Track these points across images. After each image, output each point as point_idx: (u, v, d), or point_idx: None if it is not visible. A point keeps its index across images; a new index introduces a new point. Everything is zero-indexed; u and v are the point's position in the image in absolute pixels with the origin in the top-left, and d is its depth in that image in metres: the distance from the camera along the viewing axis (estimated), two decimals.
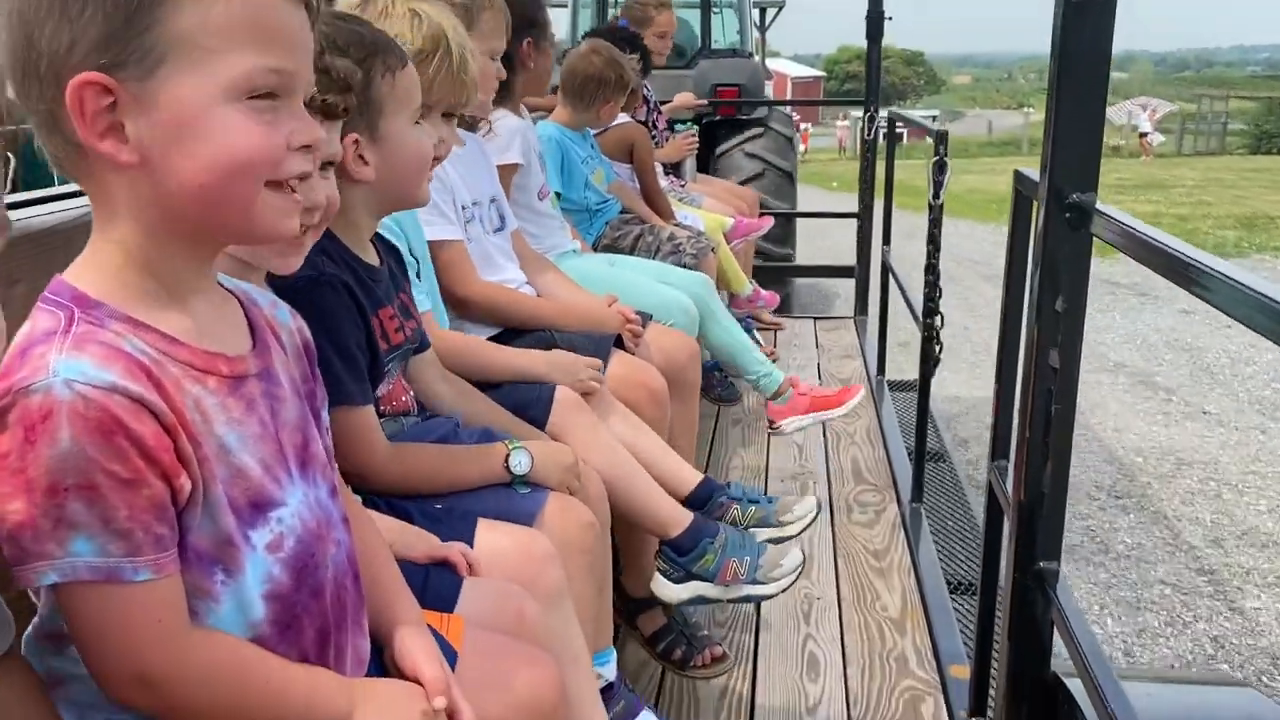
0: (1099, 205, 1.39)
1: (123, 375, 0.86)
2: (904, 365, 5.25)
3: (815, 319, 5.45)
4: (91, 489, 0.83)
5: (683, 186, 4.75)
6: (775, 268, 6.49)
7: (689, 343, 2.68)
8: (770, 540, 2.19)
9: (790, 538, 2.23)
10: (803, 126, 38.32)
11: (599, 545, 1.69)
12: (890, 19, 5.29)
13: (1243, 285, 0.96)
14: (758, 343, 4.61)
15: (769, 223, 4.64)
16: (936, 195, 3.12)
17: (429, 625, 1.17)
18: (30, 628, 0.95)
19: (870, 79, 5.35)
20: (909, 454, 3.54)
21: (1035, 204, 1.85)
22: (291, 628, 0.99)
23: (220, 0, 0.88)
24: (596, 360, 2.15)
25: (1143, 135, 33.03)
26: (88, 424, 0.83)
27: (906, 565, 2.88)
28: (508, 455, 1.65)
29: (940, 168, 3.10)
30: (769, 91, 9.75)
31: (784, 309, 5.30)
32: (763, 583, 2.03)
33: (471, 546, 1.45)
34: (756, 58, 8.94)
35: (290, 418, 1.02)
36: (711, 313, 3.25)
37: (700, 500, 2.18)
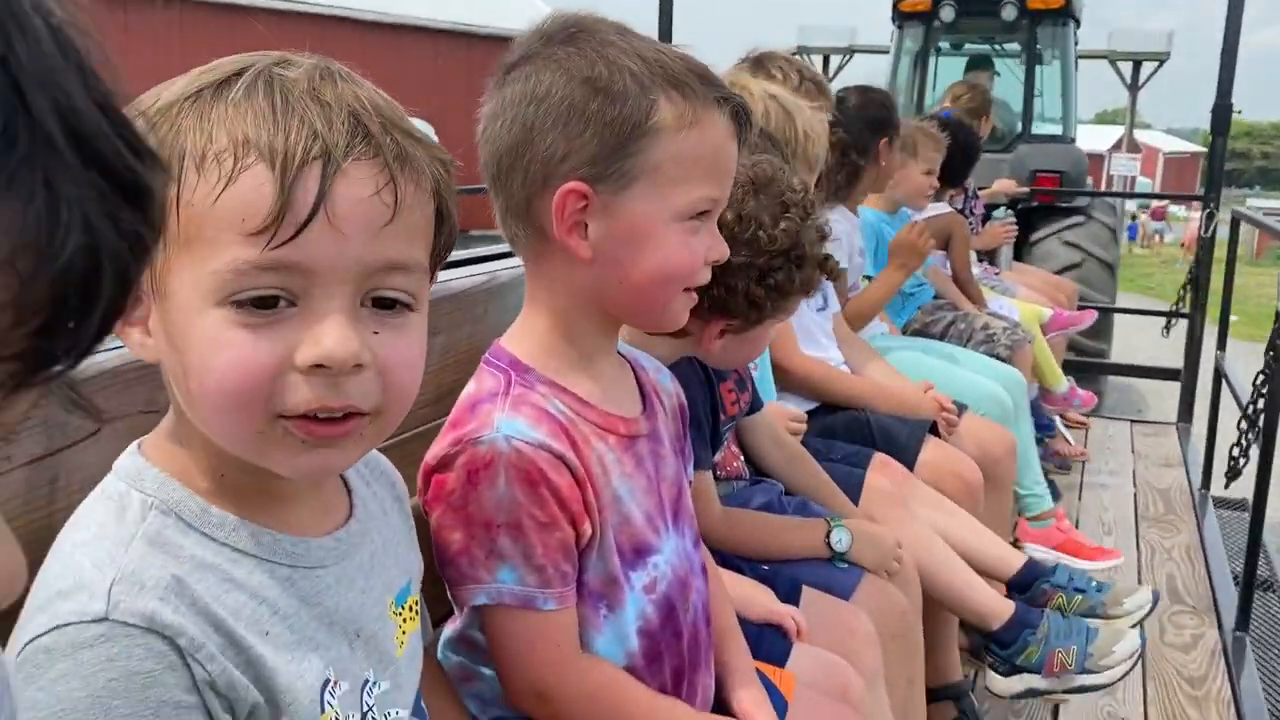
0: None
1: (548, 435, 1.03)
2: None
3: (1132, 422, 5.15)
4: (518, 527, 1.00)
5: (997, 275, 4.66)
6: (1089, 363, 6.18)
7: (1005, 435, 2.64)
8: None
9: None
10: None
11: (912, 632, 1.72)
12: (1240, 112, 4.99)
13: None
14: (1067, 440, 4.44)
15: (1091, 317, 4.44)
16: None
17: (764, 674, 1.27)
18: (450, 629, 1.13)
19: (1213, 172, 5.05)
20: (1234, 578, 3.28)
21: None
22: (656, 662, 1.11)
23: (689, 138, 1.04)
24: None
25: None
26: (519, 473, 1.00)
27: (1226, 698, 2.67)
28: (829, 531, 1.73)
29: None
30: (1135, 169, 9.13)
31: (1095, 408, 5.05)
32: (1094, 671, 1.95)
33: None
34: (1120, 127, 8.53)
35: (669, 473, 1.17)
36: (1016, 413, 3.17)
37: (1023, 585, 2.12)
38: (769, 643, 1.42)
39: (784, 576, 1.64)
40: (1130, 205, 27.31)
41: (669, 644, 1.13)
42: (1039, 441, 3.90)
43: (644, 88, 1.03)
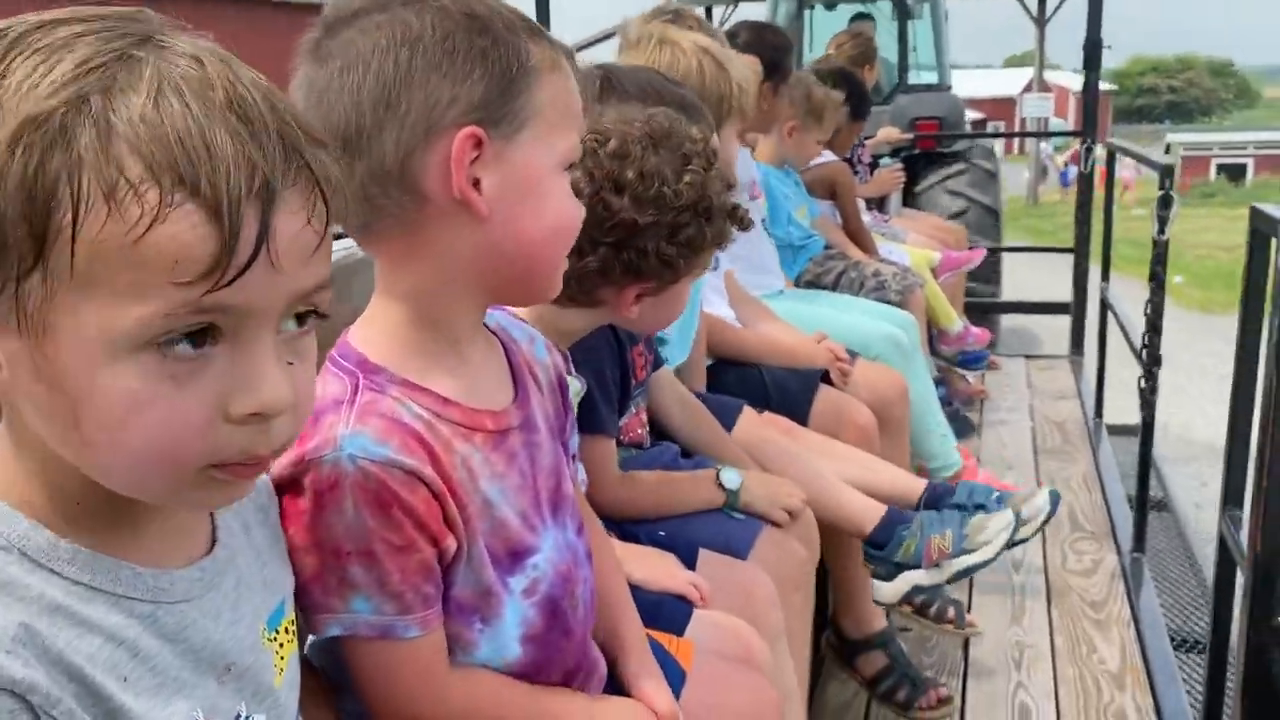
0: None
1: (399, 449, 0.93)
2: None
3: (1026, 358, 5.27)
4: (369, 555, 0.92)
5: (886, 221, 4.71)
6: (982, 304, 6.31)
7: (897, 379, 2.65)
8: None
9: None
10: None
11: (811, 582, 1.71)
12: (1109, 48, 5.12)
13: None
14: (965, 379, 4.52)
15: (980, 255, 4.51)
16: (1161, 231, 3.02)
17: (661, 644, 1.22)
18: (311, 639, 1.05)
19: (1087, 109, 5.18)
20: (1129, 501, 3.39)
21: (1274, 241, 1.77)
22: (544, 670, 1.05)
23: (558, 82, 0.98)
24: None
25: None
26: (367, 495, 0.91)
27: (1126, 618, 2.75)
28: (719, 473, 1.70)
29: (1165, 202, 3.00)
30: (1049, 109, 9.10)
31: (990, 347, 5.15)
32: (971, 550, 1.92)
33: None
34: (1030, 69, 8.63)
35: (546, 463, 1.07)
36: (911, 356, 3.19)
37: (929, 509, 2.08)
38: (670, 611, 1.38)
39: (682, 541, 1.61)
40: (1047, 147, 27.44)
41: (559, 645, 1.06)
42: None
43: (512, 29, 0.96)
